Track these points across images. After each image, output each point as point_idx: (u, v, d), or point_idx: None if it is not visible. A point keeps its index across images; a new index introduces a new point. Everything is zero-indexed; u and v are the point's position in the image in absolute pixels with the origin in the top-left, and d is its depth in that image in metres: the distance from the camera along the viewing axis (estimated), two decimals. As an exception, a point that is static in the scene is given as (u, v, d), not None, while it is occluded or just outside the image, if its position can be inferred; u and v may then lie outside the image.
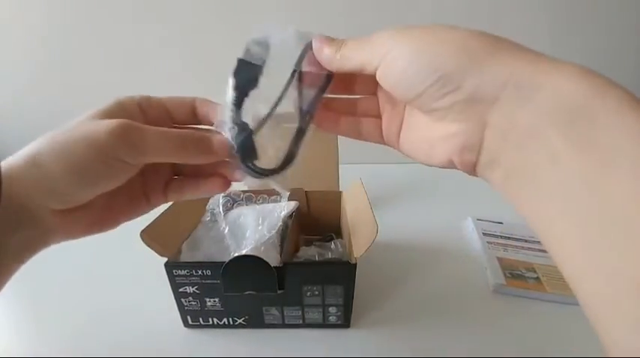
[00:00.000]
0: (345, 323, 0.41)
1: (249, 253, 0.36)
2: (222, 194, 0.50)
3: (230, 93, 0.24)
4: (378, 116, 0.27)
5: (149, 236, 0.36)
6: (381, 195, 0.69)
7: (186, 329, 0.42)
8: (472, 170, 0.22)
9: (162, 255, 0.38)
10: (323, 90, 0.24)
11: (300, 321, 0.41)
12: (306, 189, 0.53)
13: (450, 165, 0.22)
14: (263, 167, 0.24)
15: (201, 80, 0.84)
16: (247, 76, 0.24)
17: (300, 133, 0.24)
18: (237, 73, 0.24)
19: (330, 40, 0.24)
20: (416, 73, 0.20)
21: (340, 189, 0.54)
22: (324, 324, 0.41)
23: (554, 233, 0.18)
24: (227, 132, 0.24)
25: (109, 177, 0.23)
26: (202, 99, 0.27)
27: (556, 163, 0.17)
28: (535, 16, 0.77)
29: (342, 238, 0.51)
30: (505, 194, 0.20)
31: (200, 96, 0.27)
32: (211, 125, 0.26)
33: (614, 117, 0.16)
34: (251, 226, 0.43)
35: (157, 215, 0.39)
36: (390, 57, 0.21)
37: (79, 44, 0.82)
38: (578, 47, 0.79)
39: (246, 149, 0.24)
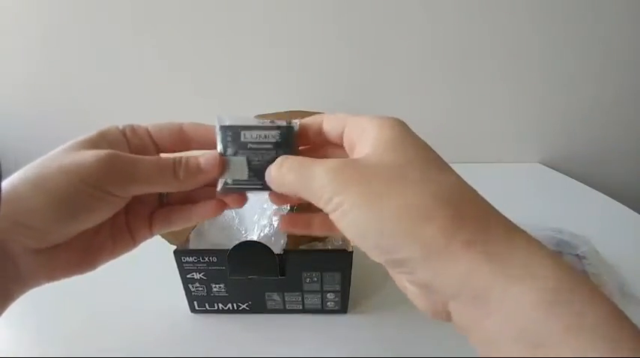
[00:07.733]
0: (342, 309, 0.44)
1: (258, 240, 0.39)
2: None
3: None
4: None
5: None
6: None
7: (192, 314, 0.45)
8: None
9: (172, 244, 0.41)
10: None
11: (300, 307, 0.43)
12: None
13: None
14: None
15: (199, 78, 0.87)
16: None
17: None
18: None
19: None
20: (364, 247, 0.19)
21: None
22: (323, 310, 0.44)
23: None
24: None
25: (93, 210, 0.21)
26: (190, 123, 0.25)
27: None
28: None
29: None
30: None
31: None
32: (204, 149, 0.25)
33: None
34: (258, 211, 0.46)
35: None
36: (335, 216, 0.19)
37: (76, 48, 0.83)
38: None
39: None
